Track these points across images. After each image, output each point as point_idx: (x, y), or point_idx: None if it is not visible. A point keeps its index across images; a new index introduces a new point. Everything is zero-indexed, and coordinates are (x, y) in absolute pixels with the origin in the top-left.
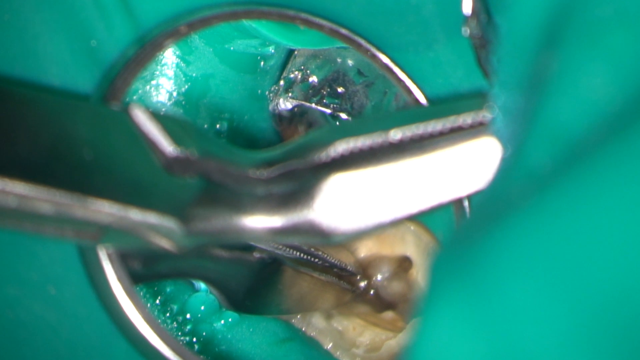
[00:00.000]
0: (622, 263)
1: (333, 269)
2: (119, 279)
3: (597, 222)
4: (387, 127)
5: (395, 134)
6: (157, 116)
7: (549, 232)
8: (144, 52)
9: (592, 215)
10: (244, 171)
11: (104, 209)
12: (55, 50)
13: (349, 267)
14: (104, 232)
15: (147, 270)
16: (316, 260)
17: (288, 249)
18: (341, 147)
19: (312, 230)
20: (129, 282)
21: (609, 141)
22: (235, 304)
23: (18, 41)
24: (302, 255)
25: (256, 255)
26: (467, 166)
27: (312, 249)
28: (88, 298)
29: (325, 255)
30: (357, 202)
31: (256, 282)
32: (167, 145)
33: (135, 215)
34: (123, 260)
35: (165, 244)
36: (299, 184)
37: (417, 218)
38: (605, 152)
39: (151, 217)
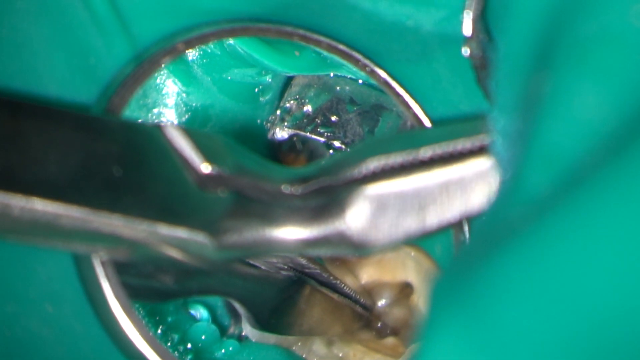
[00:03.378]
0: (622, 290)
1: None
2: (117, 296)
3: (596, 248)
4: (417, 146)
5: (426, 152)
6: (190, 132)
7: (547, 259)
8: (141, 69)
9: (591, 241)
10: (277, 187)
11: (133, 225)
12: (53, 67)
13: (363, 300)
14: (135, 248)
15: (179, 286)
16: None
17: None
18: (372, 164)
19: (343, 242)
20: (126, 299)
21: (606, 162)
22: (260, 322)
23: (16, 57)
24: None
25: (283, 273)
26: (472, 187)
27: (331, 277)
28: (85, 315)
29: (343, 286)
30: (387, 213)
31: (281, 301)
32: (200, 162)
33: (165, 230)
34: (123, 275)
35: (196, 259)
36: (331, 198)
37: (430, 236)
38: (602, 174)
39: (180, 232)
